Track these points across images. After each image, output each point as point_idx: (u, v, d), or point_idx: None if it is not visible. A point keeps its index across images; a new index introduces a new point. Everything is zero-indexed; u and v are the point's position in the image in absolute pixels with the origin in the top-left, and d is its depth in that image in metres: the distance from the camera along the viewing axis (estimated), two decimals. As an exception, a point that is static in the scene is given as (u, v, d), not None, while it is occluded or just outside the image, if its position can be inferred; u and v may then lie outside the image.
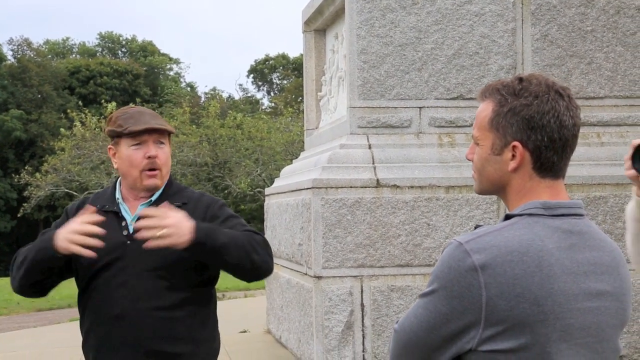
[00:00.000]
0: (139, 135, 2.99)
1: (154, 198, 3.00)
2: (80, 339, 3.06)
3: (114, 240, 2.92)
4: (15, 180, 31.56)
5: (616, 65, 5.98)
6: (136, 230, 2.84)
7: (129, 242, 2.93)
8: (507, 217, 1.81)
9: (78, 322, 3.13)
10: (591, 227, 1.85)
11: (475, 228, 1.81)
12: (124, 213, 3.00)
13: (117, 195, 3.05)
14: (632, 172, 2.38)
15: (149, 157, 2.98)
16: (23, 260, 2.93)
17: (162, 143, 3.02)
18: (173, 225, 2.70)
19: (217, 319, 3.10)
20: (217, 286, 3.14)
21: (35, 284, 2.98)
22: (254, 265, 2.86)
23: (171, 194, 3.03)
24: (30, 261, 2.89)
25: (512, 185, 1.85)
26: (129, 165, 3.01)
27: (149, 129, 2.99)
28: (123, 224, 2.98)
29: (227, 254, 2.79)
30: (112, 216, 2.99)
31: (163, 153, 3.01)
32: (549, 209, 1.80)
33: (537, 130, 1.80)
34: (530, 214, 1.79)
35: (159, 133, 3.01)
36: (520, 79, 1.86)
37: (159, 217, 2.71)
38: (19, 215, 33.89)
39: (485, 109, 1.88)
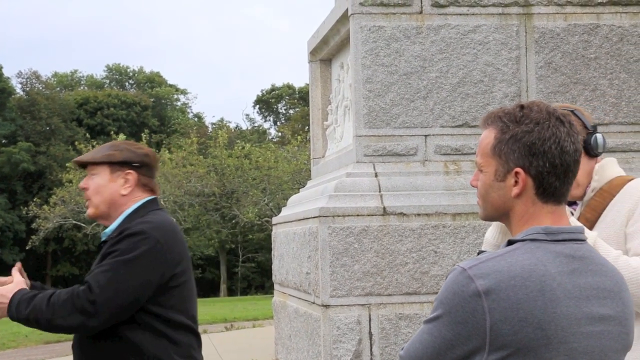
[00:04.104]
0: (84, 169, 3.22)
1: (107, 231, 3.10)
2: None
3: None
4: (24, 212, 31.65)
5: (620, 92, 6.00)
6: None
7: None
8: (510, 242, 1.83)
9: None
10: (592, 252, 1.87)
11: (479, 254, 1.83)
12: None
13: None
14: None
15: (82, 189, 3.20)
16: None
17: (93, 174, 3.14)
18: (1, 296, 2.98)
19: (159, 351, 2.93)
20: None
21: None
22: (56, 329, 2.96)
23: (121, 227, 3.03)
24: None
25: (515, 211, 1.87)
26: None
27: (75, 161, 3.25)
28: None
29: (28, 324, 2.96)
30: None
31: (92, 183, 3.13)
32: (551, 234, 1.82)
33: (539, 156, 1.82)
34: (532, 239, 1.81)
35: (88, 165, 3.16)
36: (522, 106, 1.89)
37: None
38: (27, 248, 33.96)
39: (487, 136, 1.90)
